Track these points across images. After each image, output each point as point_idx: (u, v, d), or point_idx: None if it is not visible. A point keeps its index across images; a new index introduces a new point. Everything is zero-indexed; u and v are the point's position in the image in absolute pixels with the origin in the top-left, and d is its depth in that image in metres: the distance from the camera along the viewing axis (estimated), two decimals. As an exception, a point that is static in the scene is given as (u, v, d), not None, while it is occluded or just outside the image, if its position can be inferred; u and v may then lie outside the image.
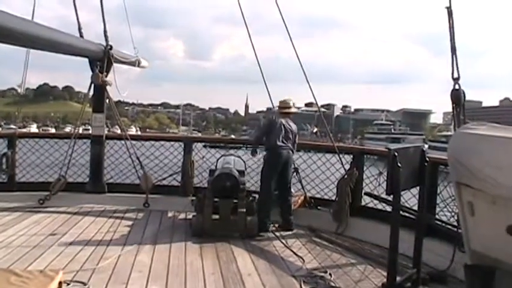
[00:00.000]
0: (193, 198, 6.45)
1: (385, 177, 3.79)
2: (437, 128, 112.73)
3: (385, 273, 3.89)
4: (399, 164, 3.59)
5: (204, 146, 7.90)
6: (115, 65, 7.28)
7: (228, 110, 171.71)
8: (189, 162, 7.38)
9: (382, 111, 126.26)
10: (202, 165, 7.42)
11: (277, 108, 6.38)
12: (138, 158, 7.31)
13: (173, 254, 5.08)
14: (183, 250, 5.27)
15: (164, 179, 7.50)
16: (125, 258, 4.92)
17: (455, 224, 4.39)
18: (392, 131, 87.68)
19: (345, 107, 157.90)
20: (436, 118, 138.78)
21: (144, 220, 6.59)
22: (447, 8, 4.01)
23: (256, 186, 6.72)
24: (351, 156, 6.45)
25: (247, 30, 6.83)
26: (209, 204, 5.85)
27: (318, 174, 6.85)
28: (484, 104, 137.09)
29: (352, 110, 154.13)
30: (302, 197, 6.66)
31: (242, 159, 6.99)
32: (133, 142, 7.42)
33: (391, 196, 3.78)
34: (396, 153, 3.61)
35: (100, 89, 7.40)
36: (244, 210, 5.82)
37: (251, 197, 6.16)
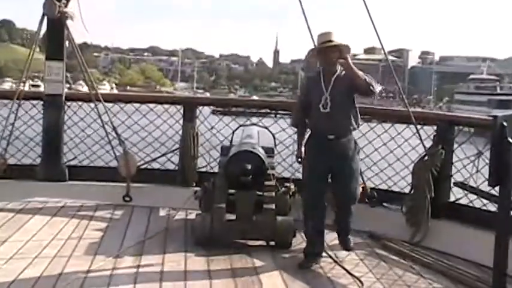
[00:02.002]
0: (197, 189, 6.60)
1: (487, 160, 3.88)
2: None
3: None
4: (510, 140, 3.58)
5: (213, 112, 8.37)
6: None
7: (248, 58, 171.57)
8: (191, 136, 7.48)
9: (483, 60, 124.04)
10: (210, 139, 7.51)
11: (313, 54, 5.82)
12: (115, 129, 7.45)
13: (167, 274, 5.14)
14: (182, 266, 5.35)
15: (154, 160, 7.62)
16: (93, 281, 4.92)
17: None
18: (498, 90, 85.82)
19: (424, 53, 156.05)
20: None
21: (124, 222, 6.75)
22: None
23: (292, 170, 6.90)
24: (434, 128, 6.52)
25: None
26: (221, 198, 5.90)
27: (383, 155, 6.98)
28: None
29: (436, 58, 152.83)
30: (360, 188, 6.45)
31: (270, 132, 7.02)
32: (108, 105, 7.54)
33: (497, 189, 3.76)
34: (505, 124, 3.61)
35: (57, 25, 7.43)
36: (273, 207, 5.84)
37: (284, 187, 6.23)
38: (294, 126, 5.96)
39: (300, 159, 5.74)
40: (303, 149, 5.67)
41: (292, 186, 6.48)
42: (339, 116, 5.46)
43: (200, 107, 7.81)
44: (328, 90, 5.43)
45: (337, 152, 5.44)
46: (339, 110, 5.46)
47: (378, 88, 5.21)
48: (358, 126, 5.63)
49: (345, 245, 5.84)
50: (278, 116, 8.05)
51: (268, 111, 8.23)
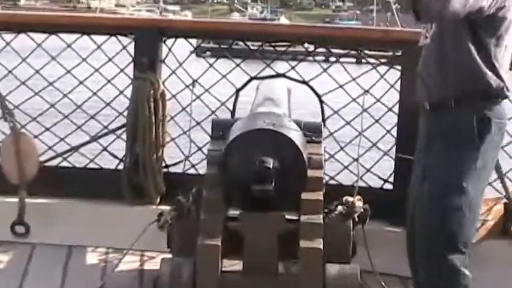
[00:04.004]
0: (164, 208, 5.11)
1: None
2: None
3: None
4: None
5: (199, 55, 7.10)
6: None
7: None
8: (150, 100, 5.70)
9: None
10: (190, 107, 5.83)
11: None
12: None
13: None
14: None
15: (74, 149, 5.84)
16: None
17: None
18: None
19: None
20: None
21: (13, 277, 5.37)
22: None
23: (360, 171, 5.46)
24: None
25: None
26: (212, 226, 4.72)
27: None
28: None
29: None
30: (499, 206, 5.46)
31: (315, 91, 5.61)
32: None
33: None
34: None
35: None
36: (320, 245, 4.58)
37: (342, 205, 4.81)
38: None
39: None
40: None
41: (360, 203, 4.73)
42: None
43: (170, 40, 5.78)
44: None
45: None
46: None
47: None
48: None
49: None
50: (332, 58, 6.50)
51: (313, 49, 5.99)
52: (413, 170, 4.37)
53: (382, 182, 5.23)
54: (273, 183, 4.25)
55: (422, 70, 4.21)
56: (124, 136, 5.63)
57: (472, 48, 4.02)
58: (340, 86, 5.46)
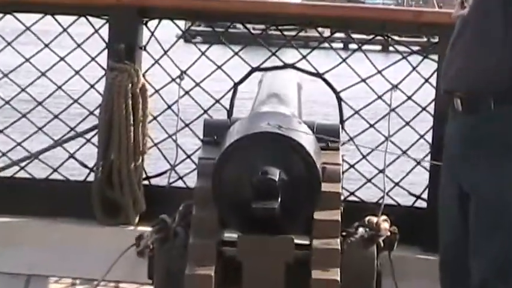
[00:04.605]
0: (144, 230, 4.53)
1: None
2: None
3: None
4: None
5: (188, 40, 6.47)
6: None
7: None
8: (126, 96, 5.26)
9: None
10: (176, 105, 5.20)
11: None
12: None
13: None
14: None
15: (32, 157, 5.51)
16: None
17: None
18: None
19: None
20: None
21: None
22: None
23: (387, 185, 4.81)
24: None
25: None
26: (204, 252, 4.10)
27: None
28: None
29: None
30: None
31: (331, 86, 5.19)
32: None
33: None
34: None
35: None
36: (337, 276, 4.07)
37: (363, 227, 4.28)
38: None
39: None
40: None
41: (386, 225, 4.07)
42: None
43: (152, 22, 5.36)
44: None
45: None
46: None
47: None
48: None
49: None
50: (352, 45, 8.33)
51: (329, 34, 5.81)
52: (444, 181, 3.83)
53: (414, 198, 4.75)
54: (279, 200, 3.58)
55: (454, 53, 3.59)
56: (95, 140, 5.09)
57: None
58: (363, 80, 4.96)
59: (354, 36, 5.65)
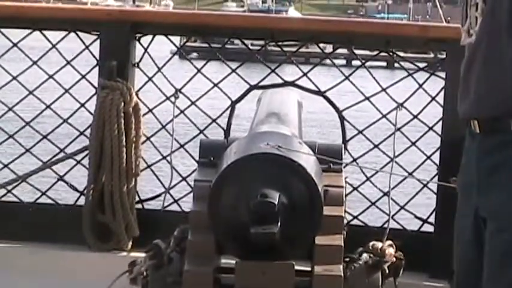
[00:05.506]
0: (138, 256, 4.66)
1: None
2: None
3: None
4: None
5: (183, 57, 6.65)
6: None
7: None
8: (118, 116, 5.23)
9: None
10: (171, 125, 5.33)
11: None
12: None
13: None
14: None
15: (20, 179, 5.47)
16: None
17: None
18: None
19: None
20: None
21: None
22: None
23: (393, 208, 5.10)
24: None
25: None
26: (200, 280, 4.17)
27: None
28: None
29: None
30: None
31: (333, 105, 5.25)
32: None
33: None
34: None
35: None
36: None
37: (367, 253, 4.29)
38: None
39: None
40: None
41: (391, 250, 4.21)
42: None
43: (145, 38, 5.32)
44: None
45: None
46: None
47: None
48: None
49: None
50: (355, 62, 8.95)
51: (331, 50, 5.98)
52: (460, 207, 3.40)
53: (420, 222, 4.71)
54: (279, 224, 3.67)
55: (468, 81, 3.36)
56: (86, 162, 5.00)
57: None
58: (367, 98, 4.90)
59: (358, 52, 5.65)
